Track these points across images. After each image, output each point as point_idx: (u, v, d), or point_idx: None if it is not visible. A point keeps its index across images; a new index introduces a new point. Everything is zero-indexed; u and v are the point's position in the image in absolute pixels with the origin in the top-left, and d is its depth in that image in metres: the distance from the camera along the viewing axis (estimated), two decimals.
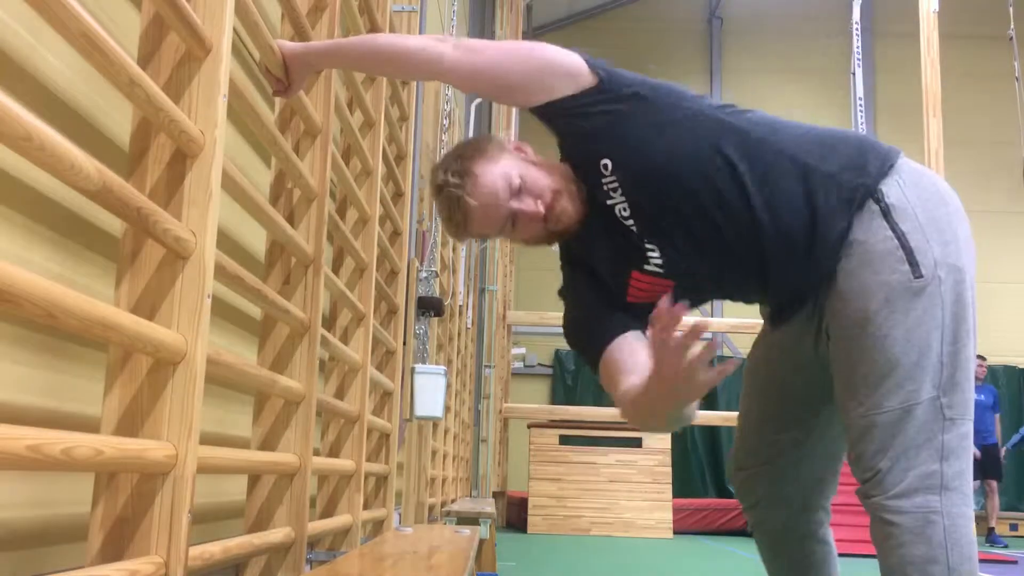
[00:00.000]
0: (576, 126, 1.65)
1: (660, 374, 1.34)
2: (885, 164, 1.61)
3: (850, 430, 1.60)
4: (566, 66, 1.63)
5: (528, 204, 1.63)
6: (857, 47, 7.93)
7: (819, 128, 1.69)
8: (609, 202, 1.65)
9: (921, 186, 1.60)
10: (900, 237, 1.54)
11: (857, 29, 7.99)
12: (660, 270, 1.68)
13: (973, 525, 1.50)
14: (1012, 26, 7.42)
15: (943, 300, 1.53)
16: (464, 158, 1.66)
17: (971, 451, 1.53)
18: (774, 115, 1.72)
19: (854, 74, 7.89)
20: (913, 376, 1.52)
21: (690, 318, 1.29)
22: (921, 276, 1.53)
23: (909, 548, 1.49)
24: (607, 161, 1.62)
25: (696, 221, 1.62)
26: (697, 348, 1.28)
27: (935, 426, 1.51)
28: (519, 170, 1.65)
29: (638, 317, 1.67)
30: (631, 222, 1.65)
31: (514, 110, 10.77)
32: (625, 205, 1.64)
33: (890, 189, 1.58)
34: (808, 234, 1.59)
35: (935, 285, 1.53)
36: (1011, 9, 7.42)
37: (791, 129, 1.66)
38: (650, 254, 1.66)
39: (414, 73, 1.74)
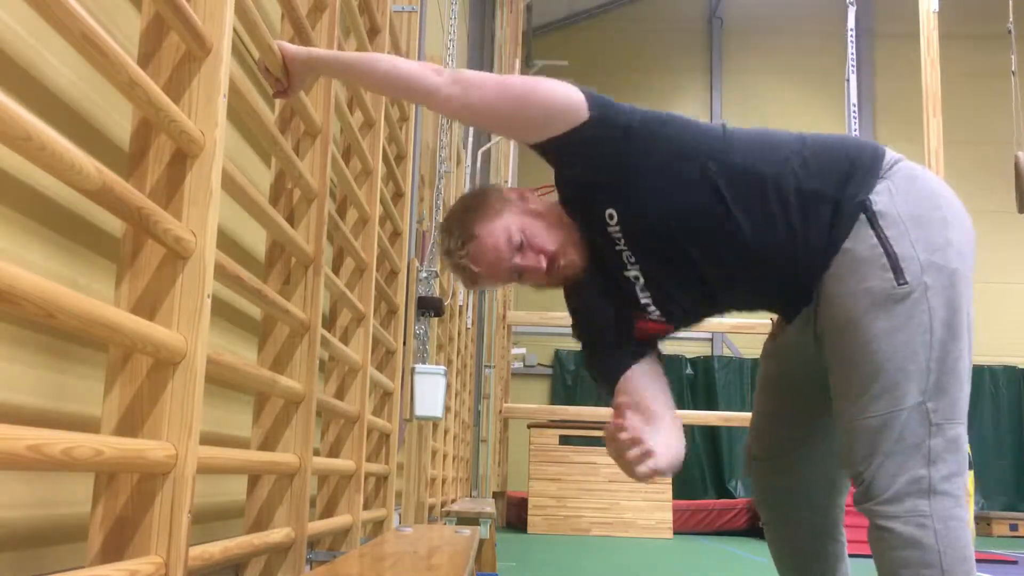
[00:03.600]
0: (576, 171, 1.67)
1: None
2: (873, 171, 1.61)
3: (840, 434, 1.62)
4: (561, 104, 1.63)
5: (530, 259, 1.69)
6: (852, 52, 7.94)
7: (810, 141, 1.67)
8: (617, 248, 1.68)
9: (913, 192, 1.60)
10: (885, 244, 1.55)
11: (852, 35, 7.99)
12: (662, 320, 1.75)
13: (968, 526, 1.51)
14: (1011, 18, 7.40)
15: (930, 306, 1.53)
16: (467, 216, 1.71)
17: (963, 453, 1.54)
18: (769, 129, 1.72)
19: (848, 80, 7.90)
20: (898, 382, 1.53)
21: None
22: (905, 283, 1.54)
23: (902, 552, 1.50)
24: (612, 211, 1.64)
25: (700, 255, 1.66)
26: (632, 454, 1.53)
27: (921, 431, 1.52)
28: (519, 224, 1.69)
29: (649, 344, 1.78)
30: (635, 270, 1.70)
31: None
32: (630, 253, 1.68)
33: (878, 197, 1.59)
34: (799, 252, 1.62)
35: (920, 291, 1.54)
36: (1011, 2, 7.41)
37: (782, 148, 1.65)
38: (648, 308, 1.73)
39: (410, 99, 1.78)
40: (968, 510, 1.54)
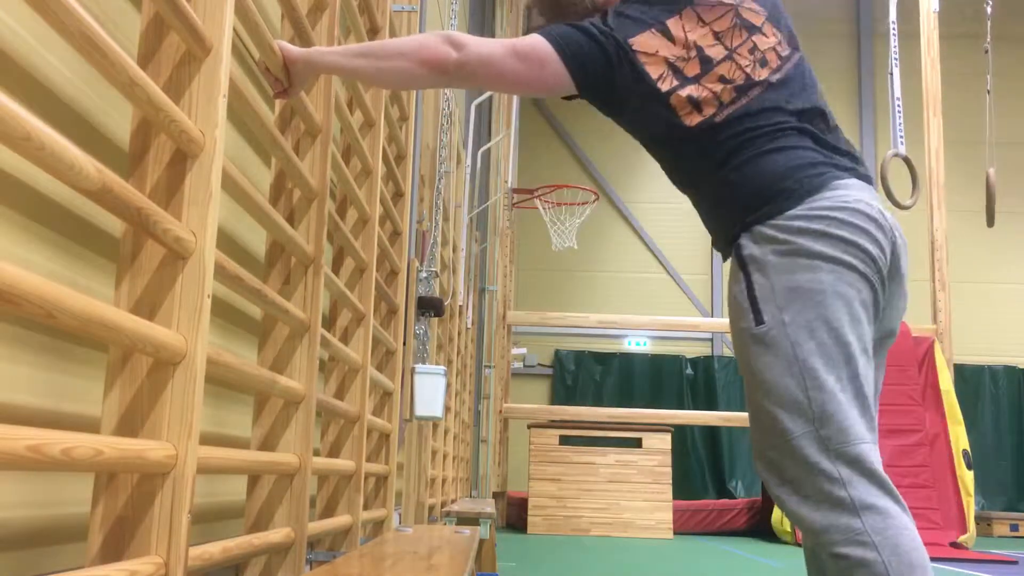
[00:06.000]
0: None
1: None
2: (765, 212, 1.62)
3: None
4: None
5: None
6: (894, 46, 7.93)
7: (761, 165, 1.67)
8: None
9: (791, 230, 1.59)
10: (749, 287, 1.61)
11: (894, 28, 7.98)
12: None
13: (911, 531, 1.51)
14: (988, 39, 7.43)
15: (792, 341, 1.56)
16: None
17: (871, 468, 1.53)
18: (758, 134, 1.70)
19: (891, 74, 7.89)
20: (778, 416, 1.56)
21: None
22: (763, 323, 1.58)
23: (855, 574, 1.51)
24: None
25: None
26: None
27: (822, 457, 1.54)
28: None
29: None
30: None
31: (514, 111, 10.77)
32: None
33: (748, 241, 1.63)
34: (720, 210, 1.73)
35: (778, 330, 1.57)
36: (989, 23, 7.43)
37: (739, 167, 1.67)
38: None
39: (424, 79, 1.74)
40: (910, 517, 1.53)
